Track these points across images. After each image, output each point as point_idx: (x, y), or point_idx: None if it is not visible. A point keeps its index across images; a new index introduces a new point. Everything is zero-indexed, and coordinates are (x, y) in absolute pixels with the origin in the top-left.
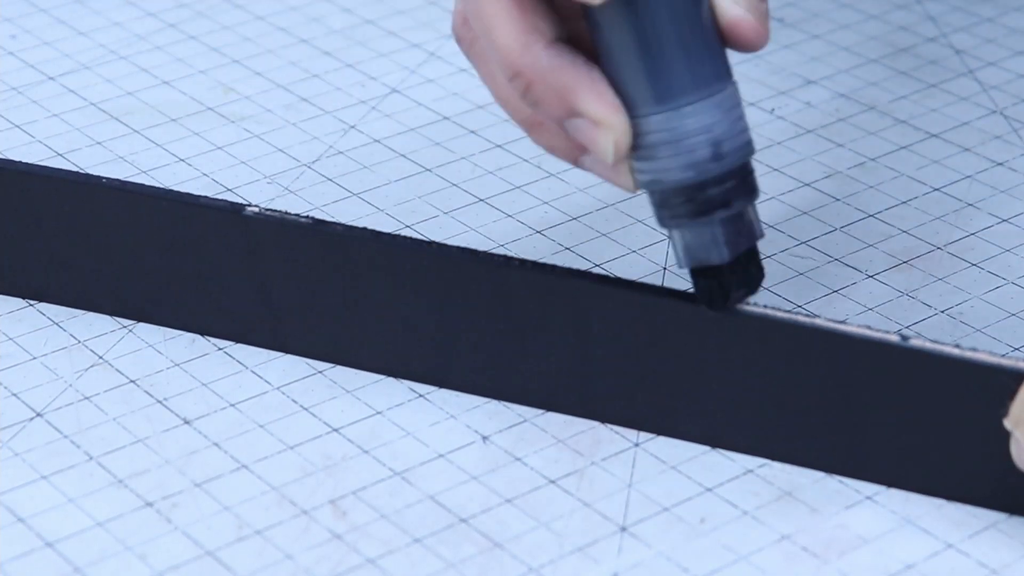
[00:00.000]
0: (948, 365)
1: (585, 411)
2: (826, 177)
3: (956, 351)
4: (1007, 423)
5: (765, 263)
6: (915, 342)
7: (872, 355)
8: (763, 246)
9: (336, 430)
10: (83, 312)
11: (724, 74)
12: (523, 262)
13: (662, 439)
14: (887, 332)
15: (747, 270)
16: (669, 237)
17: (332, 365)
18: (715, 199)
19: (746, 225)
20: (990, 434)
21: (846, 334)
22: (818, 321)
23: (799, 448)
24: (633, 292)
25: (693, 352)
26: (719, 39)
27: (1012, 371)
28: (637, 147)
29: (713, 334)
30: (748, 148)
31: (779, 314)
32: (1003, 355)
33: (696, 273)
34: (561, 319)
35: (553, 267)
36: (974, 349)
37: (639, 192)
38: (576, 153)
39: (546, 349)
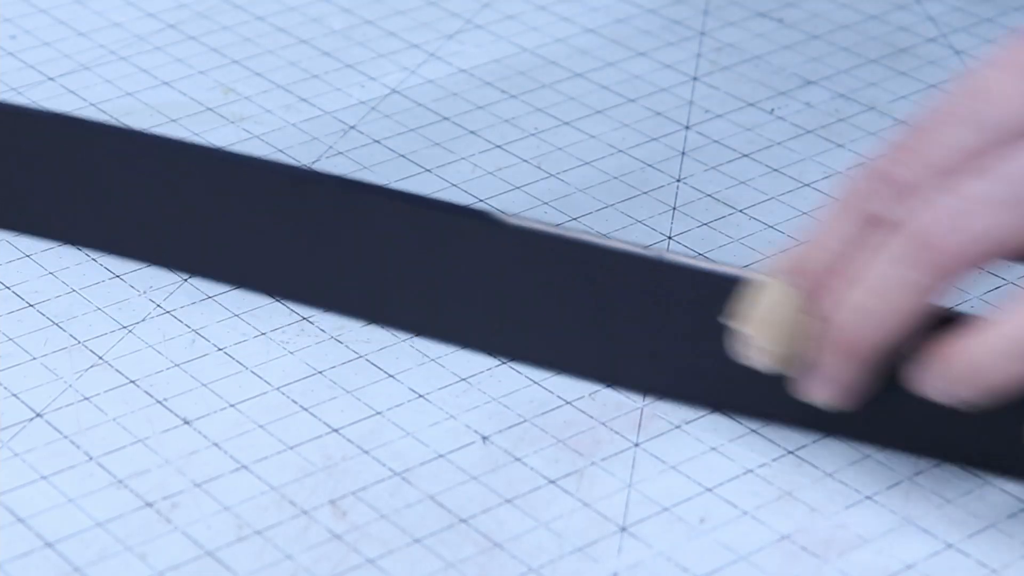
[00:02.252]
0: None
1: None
2: (826, 178)
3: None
4: (738, 324)
5: (765, 262)
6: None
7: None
8: (764, 247)
9: (336, 430)
10: (83, 312)
11: None
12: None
13: (662, 439)
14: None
15: None
16: None
17: (332, 365)
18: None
19: None
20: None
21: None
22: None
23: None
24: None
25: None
26: None
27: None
28: None
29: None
30: None
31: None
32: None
33: None
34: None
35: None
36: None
37: None
38: None
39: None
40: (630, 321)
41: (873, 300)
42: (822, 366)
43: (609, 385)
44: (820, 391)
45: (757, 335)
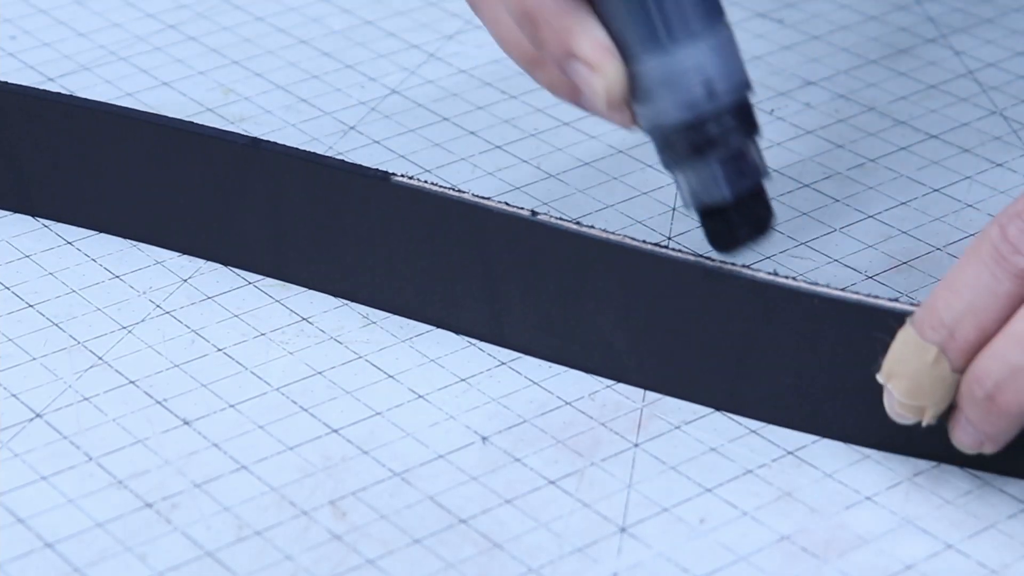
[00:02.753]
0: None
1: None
2: (826, 178)
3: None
4: (879, 377)
5: (765, 262)
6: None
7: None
8: (763, 247)
9: (336, 431)
10: (83, 313)
11: (715, 15)
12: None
13: (662, 439)
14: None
15: (754, 210)
16: (675, 181)
17: (332, 366)
18: (712, 137)
19: (749, 164)
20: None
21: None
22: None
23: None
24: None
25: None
26: None
27: (884, 311)
28: (635, 90)
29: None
30: (744, 86)
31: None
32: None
33: (703, 215)
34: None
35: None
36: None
37: (635, 129)
38: (576, 93)
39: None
40: (631, 319)
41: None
42: (969, 419)
43: (609, 384)
44: (966, 439)
45: (896, 389)
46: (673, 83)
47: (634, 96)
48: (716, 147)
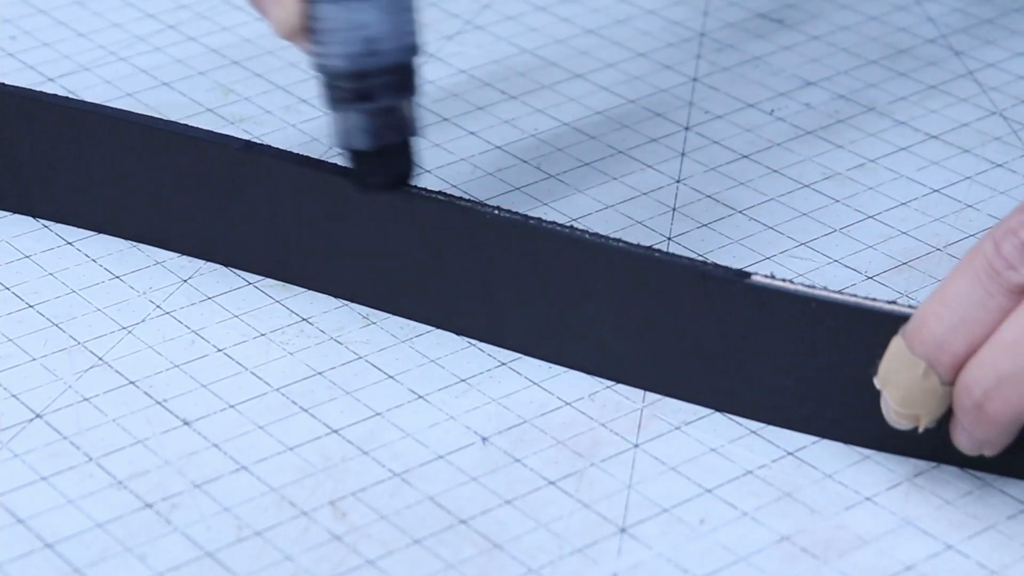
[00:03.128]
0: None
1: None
2: (826, 178)
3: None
4: (876, 382)
5: (765, 263)
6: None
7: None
8: (763, 247)
9: (336, 431)
10: (83, 313)
11: None
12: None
13: (662, 440)
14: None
15: (393, 163)
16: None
17: (331, 366)
18: (365, 91)
19: (397, 121)
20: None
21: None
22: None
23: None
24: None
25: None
26: None
27: (881, 313)
28: (312, 29)
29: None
30: (409, 49)
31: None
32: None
33: (349, 154)
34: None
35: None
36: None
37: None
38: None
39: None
40: (631, 319)
41: (1016, 365)
42: (963, 426)
43: (609, 385)
44: (964, 443)
45: (890, 397)
46: (339, 33)
47: (311, 35)
48: (367, 100)
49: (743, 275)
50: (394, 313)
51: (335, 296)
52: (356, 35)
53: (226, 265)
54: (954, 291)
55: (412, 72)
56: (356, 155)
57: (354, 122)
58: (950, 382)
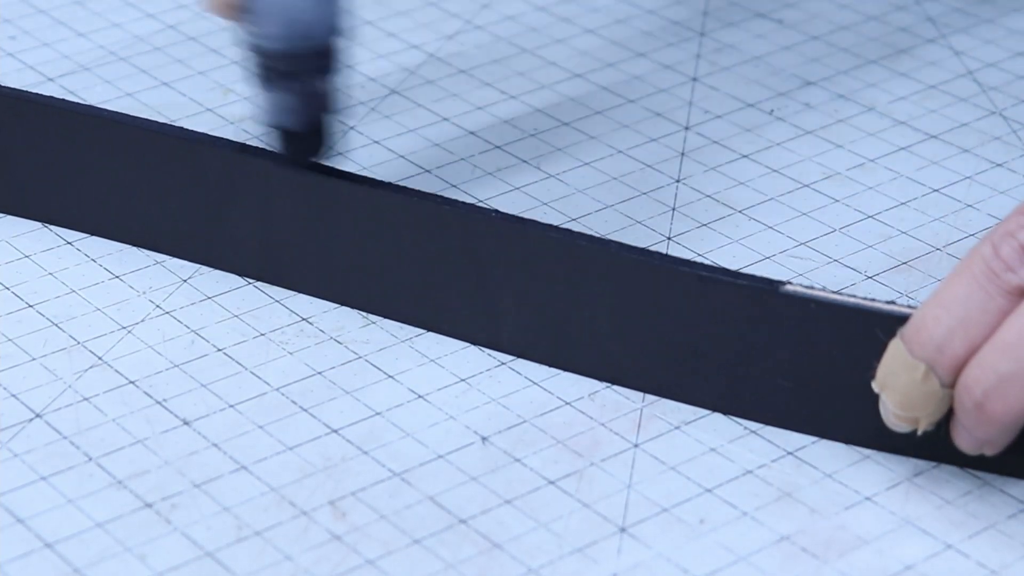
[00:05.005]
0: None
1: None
2: (825, 178)
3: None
4: (874, 386)
5: (764, 263)
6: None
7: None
8: (763, 247)
9: (335, 431)
10: (83, 313)
11: None
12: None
13: (662, 440)
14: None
15: (311, 141)
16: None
17: (331, 366)
18: (290, 72)
19: (318, 101)
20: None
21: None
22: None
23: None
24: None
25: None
26: None
27: (880, 314)
28: (247, 10)
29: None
30: (331, 31)
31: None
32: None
33: (277, 132)
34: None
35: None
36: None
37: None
38: None
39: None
40: (631, 320)
41: (1016, 365)
42: (963, 426)
43: (609, 385)
44: (965, 443)
45: (888, 400)
46: (267, 15)
47: (243, 14)
48: (292, 81)
49: (742, 276)
50: (391, 317)
51: (331, 300)
52: (292, 16)
53: (221, 269)
54: (953, 294)
55: (334, 53)
56: (285, 133)
57: (279, 102)
58: (950, 384)
